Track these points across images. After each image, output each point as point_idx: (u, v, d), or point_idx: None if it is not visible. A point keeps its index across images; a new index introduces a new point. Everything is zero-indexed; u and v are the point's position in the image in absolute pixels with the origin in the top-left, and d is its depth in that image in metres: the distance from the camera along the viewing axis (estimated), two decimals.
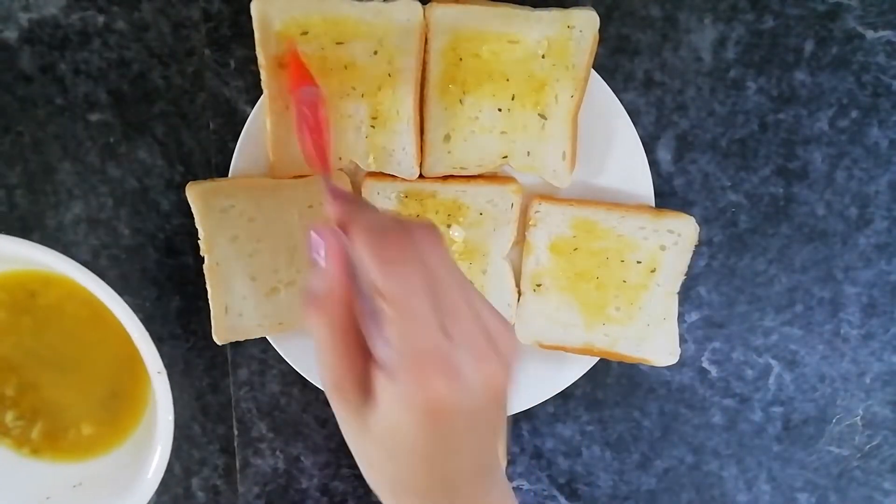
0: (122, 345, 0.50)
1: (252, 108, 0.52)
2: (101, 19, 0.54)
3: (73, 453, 0.56)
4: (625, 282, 0.54)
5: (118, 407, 0.55)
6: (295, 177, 0.53)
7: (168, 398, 0.49)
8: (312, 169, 0.45)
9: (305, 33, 0.50)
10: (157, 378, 0.48)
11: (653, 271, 0.54)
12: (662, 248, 0.53)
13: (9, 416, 0.54)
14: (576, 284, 0.54)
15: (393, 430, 0.31)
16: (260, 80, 0.51)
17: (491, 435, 0.34)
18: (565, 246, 0.54)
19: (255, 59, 0.50)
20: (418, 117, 0.52)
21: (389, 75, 0.51)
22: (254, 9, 0.49)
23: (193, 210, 0.52)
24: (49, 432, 0.55)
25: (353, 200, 0.35)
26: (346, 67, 0.50)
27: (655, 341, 0.55)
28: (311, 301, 0.33)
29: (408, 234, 0.32)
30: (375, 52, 0.50)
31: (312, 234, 0.34)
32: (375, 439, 0.32)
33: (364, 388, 0.32)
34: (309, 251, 0.34)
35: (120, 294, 0.48)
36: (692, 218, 0.53)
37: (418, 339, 0.30)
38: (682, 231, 0.53)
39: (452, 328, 0.31)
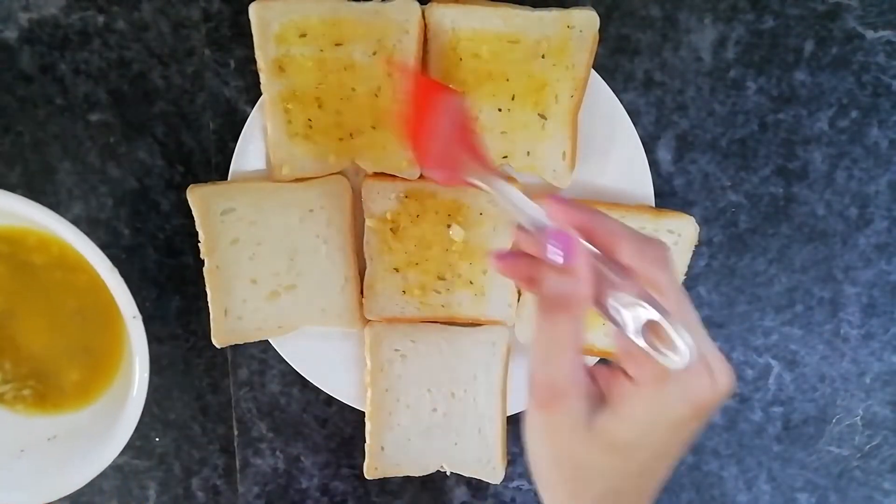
0: (99, 293, 0.50)
1: (252, 108, 0.52)
2: (101, 19, 0.54)
3: (57, 406, 0.55)
4: None
5: (97, 357, 0.55)
6: (295, 180, 0.53)
7: (143, 344, 0.48)
8: (454, 180, 0.41)
9: (304, 35, 0.50)
10: (132, 323, 0.48)
11: None
12: None
13: None
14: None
15: (641, 432, 0.33)
16: (259, 80, 0.51)
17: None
18: None
19: (255, 60, 0.50)
20: None
21: (389, 75, 0.51)
22: (252, 12, 0.49)
23: (194, 213, 0.52)
24: (37, 388, 0.55)
25: (584, 207, 0.36)
26: (345, 69, 0.50)
27: None
28: (553, 301, 0.33)
29: (654, 238, 0.34)
30: (374, 53, 0.50)
31: (551, 237, 0.34)
32: (607, 445, 0.33)
33: (593, 394, 0.34)
34: (545, 252, 0.34)
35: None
36: (692, 218, 0.53)
37: (701, 336, 0.32)
38: (682, 231, 0.53)
39: (704, 335, 0.33)
